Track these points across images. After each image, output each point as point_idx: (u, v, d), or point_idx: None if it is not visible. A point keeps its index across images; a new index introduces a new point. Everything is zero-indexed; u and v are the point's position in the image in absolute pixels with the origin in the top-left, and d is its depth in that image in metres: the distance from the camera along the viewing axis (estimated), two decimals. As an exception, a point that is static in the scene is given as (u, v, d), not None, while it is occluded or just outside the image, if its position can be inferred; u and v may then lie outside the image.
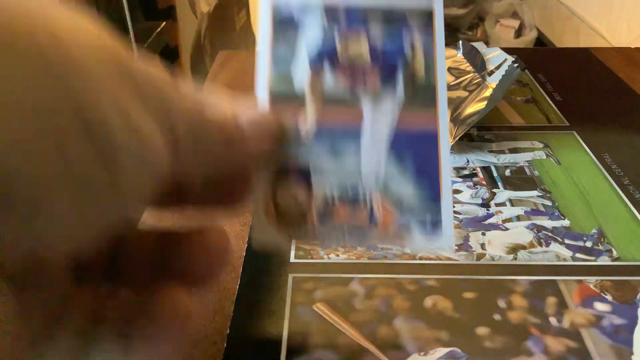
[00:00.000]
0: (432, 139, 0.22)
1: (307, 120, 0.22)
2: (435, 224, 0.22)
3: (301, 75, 0.23)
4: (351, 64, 0.23)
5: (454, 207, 0.34)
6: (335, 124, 0.22)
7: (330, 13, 0.23)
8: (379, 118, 0.22)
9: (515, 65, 0.41)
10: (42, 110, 0.12)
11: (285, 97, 0.22)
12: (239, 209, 0.21)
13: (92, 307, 0.17)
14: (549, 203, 0.34)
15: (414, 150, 0.22)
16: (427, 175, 0.22)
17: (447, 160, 0.22)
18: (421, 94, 0.23)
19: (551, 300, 0.27)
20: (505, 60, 0.45)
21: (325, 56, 0.23)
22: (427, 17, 0.23)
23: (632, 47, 0.57)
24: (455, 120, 0.40)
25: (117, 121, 0.14)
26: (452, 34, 2.27)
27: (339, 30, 0.23)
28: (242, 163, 0.19)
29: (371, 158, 0.22)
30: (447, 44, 0.53)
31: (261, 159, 0.20)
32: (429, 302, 0.27)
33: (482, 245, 0.31)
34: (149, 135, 0.15)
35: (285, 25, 0.23)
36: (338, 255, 0.30)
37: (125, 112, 0.14)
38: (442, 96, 0.23)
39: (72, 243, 0.14)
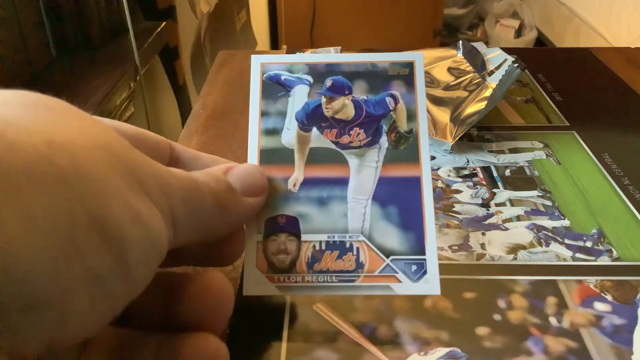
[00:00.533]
0: (415, 188, 0.23)
1: (295, 173, 0.23)
2: (420, 272, 0.23)
3: (289, 131, 0.24)
4: (336, 119, 0.24)
5: (453, 207, 0.34)
6: (322, 176, 0.23)
7: (315, 72, 0.25)
8: (364, 169, 0.24)
9: (515, 65, 0.41)
10: (60, 219, 0.13)
11: (274, 153, 0.24)
12: (231, 262, 0.22)
13: (110, 344, 0.18)
14: (549, 203, 0.34)
15: (398, 199, 0.23)
16: (411, 223, 0.23)
17: (431, 208, 0.23)
18: (404, 144, 0.24)
19: (551, 300, 0.27)
20: (505, 60, 0.45)
21: (311, 112, 0.24)
22: (409, 69, 0.25)
23: (632, 47, 0.57)
24: (455, 120, 0.40)
25: (125, 216, 0.15)
26: (452, 34, 2.27)
27: (323, 88, 0.24)
28: (235, 222, 0.21)
29: (357, 207, 0.23)
30: (447, 44, 0.53)
31: (252, 212, 0.22)
32: (428, 302, 0.27)
33: (482, 245, 0.31)
34: (153, 223, 0.16)
35: (273, 85, 0.25)
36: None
37: (131, 206, 0.15)
38: (425, 145, 0.24)
39: (88, 333, 0.15)
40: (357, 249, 0.23)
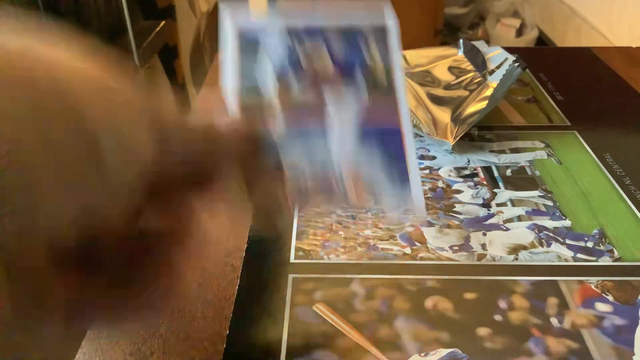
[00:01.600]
0: (395, 131, 0.24)
1: (277, 123, 0.24)
2: (403, 182, 0.23)
3: (268, 86, 0.24)
4: (315, 74, 0.25)
5: (454, 207, 0.34)
6: (304, 124, 0.24)
7: (292, 32, 0.25)
8: (344, 114, 0.24)
9: (516, 64, 0.41)
10: (37, 113, 0.14)
11: (255, 105, 0.24)
12: (216, 203, 0.23)
13: (76, 287, 0.18)
14: (550, 203, 0.34)
15: (379, 138, 0.24)
16: (394, 159, 0.24)
17: (412, 144, 0.24)
18: (382, 92, 0.25)
19: (552, 301, 0.27)
20: (506, 59, 0.45)
21: (290, 68, 0.25)
22: (382, 30, 0.26)
23: (634, 46, 0.57)
24: (455, 119, 0.40)
25: (99, 115, 0.16)
26: (453, 33, 2.26)
27: (301, 46, 0.25)
28: (221, 158, 0.22)
29: (340, 148, 0.24)
30: (448, 43, 0.53)
31: (237, 158, 0.22)
32: (429, 302, 0.27)
33: (483, 246, 0.30)
34: (130, 128, 0.17)
35: (250, 44, 0.25)
36: (338, 256, 0.30)
37: (107, 110, 0.16)
38: (401, 91, 0.25)
39: (57, 222, 0.15)
40: (343, 185, 0.23)
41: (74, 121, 0.15)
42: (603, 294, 0.27)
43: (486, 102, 0.40)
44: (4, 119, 0.14)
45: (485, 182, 0.36)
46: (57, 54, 0.17)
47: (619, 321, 0.26)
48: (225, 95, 0.24)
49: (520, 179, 0.36)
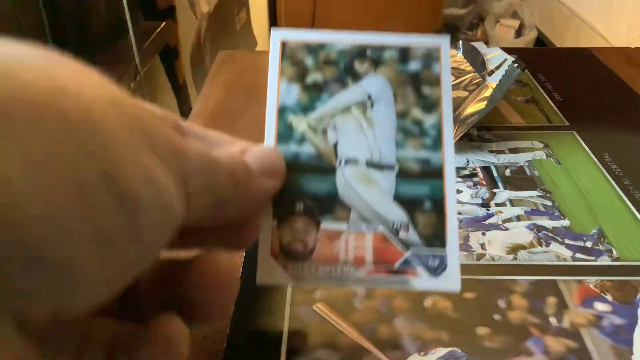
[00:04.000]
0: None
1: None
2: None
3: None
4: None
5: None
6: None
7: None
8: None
9: (515, 65, 0.41)
10: (63, 163, 0.12)
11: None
12: (244, 247, 0.21)
13: (107, 339, 0.17)
14: (549, 203, 0.34)
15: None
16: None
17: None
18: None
19: (551, 301, 0.27)
20: (505, 60, 0.45)
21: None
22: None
23: (632, 47, 0.57)
24: (455, 120, 0.40)
25: (136, 174, 0.14)
26: (452, 34, 2.27)
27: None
28: (251, 204, 0.20)
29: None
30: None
31: (268, 195, 0.20)
32: (429, 302, 0.27)
33: (482, 245, 0.31)
34: (164, 184, 0.15)
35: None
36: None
37: (144, 166, 0.14)
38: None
39: (97, 300, 0.14)
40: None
41: (112, 182, 0.13)
42: (602, 294, 0.27)
43: (485, 102, 0.40)
44: (36, 162, 0.12)
45: (484, 182, 0.36)
46: (78, 75, 0.14)
47: (617, 320, 0.26)
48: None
49: (519, 179, 0.36)
